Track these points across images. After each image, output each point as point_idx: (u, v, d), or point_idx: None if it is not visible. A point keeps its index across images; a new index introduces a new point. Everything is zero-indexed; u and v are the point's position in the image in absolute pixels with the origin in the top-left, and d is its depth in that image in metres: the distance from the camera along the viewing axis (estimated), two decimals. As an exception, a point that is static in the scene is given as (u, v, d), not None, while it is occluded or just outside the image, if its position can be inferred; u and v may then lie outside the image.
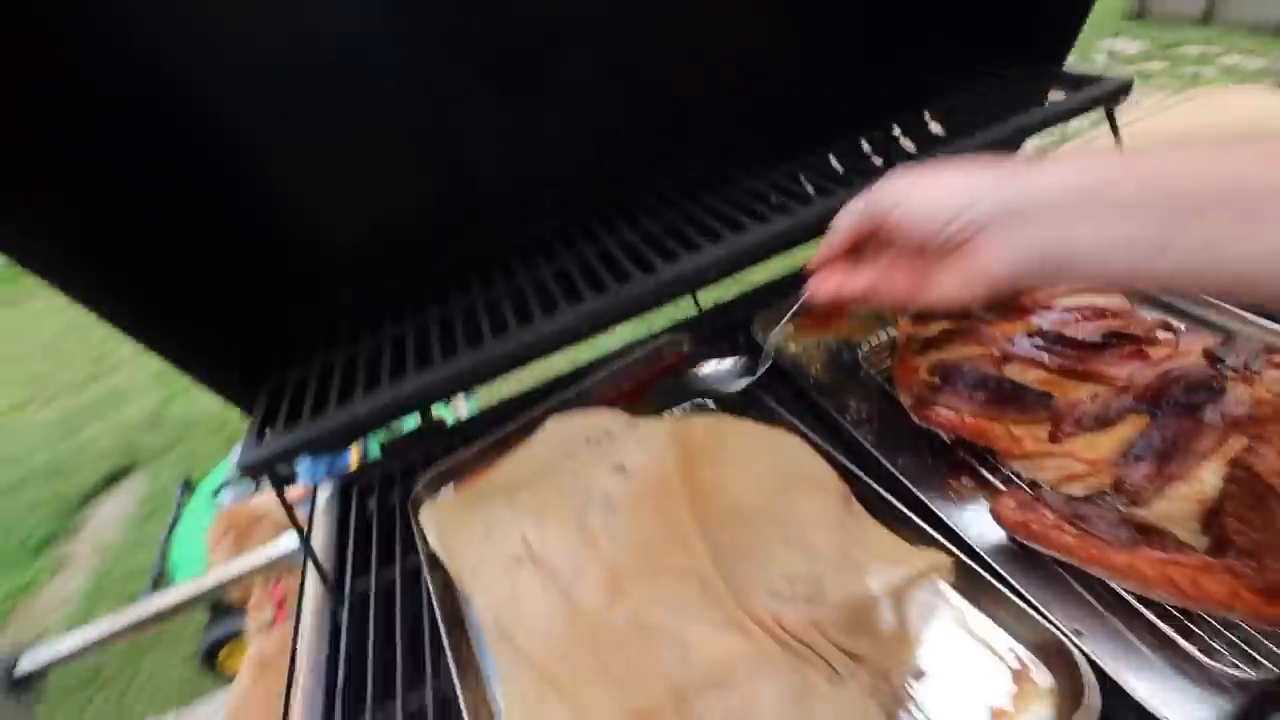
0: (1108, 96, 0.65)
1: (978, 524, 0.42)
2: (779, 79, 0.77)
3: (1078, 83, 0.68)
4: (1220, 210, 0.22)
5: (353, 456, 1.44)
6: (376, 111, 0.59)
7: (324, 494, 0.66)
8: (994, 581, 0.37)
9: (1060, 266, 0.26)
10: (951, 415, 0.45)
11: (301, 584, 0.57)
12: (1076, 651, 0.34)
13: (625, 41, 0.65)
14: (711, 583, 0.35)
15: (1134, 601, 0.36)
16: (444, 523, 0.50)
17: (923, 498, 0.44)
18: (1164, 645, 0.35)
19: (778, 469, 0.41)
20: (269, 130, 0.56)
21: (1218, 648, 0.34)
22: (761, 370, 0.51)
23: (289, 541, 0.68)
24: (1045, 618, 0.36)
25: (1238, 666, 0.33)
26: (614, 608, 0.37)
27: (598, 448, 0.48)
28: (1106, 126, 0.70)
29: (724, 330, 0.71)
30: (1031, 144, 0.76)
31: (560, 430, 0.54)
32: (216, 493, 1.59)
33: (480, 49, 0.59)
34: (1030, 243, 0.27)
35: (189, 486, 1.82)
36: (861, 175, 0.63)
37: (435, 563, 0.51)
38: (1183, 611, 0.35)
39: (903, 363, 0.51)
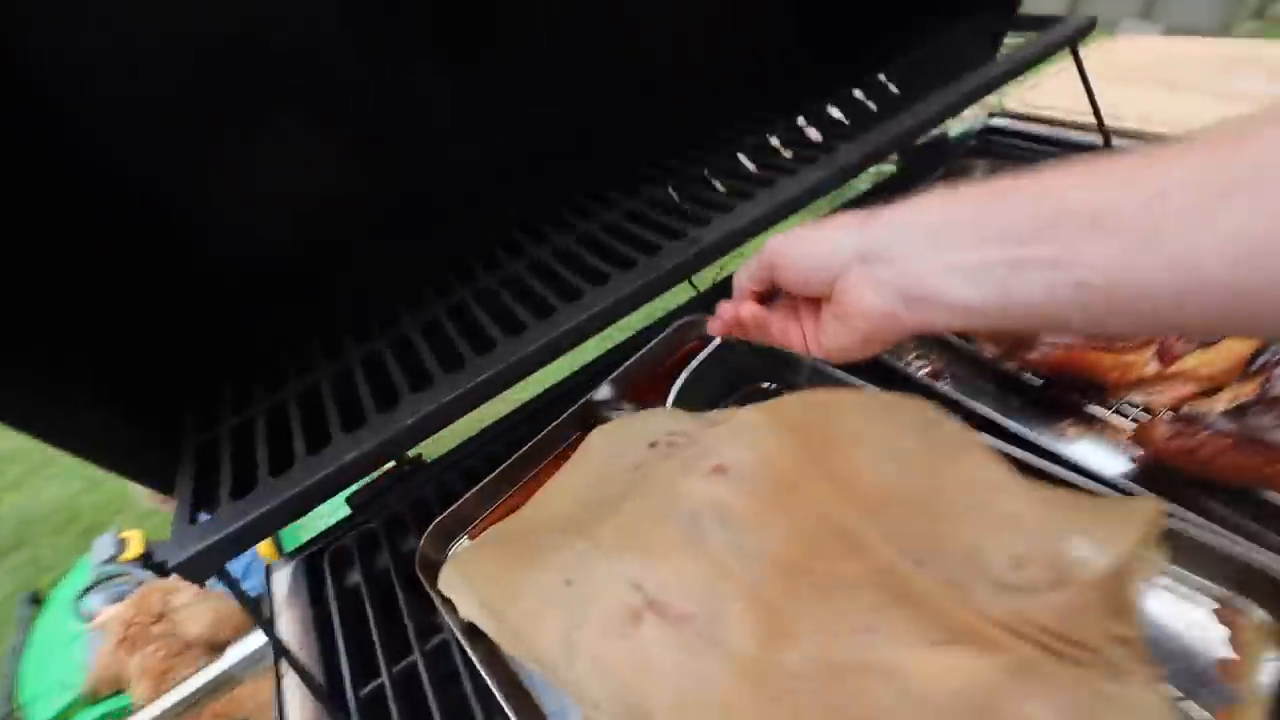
0: (1071, 36, 0.66)
1: (1095, 465, 0.39)
2: (737, 47, 0.72)
3: (1039, 24, 0.69)
4: (1046, 241, 0.22)
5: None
6: (304, 94, 0.46)
7: (282, 576, 0.51)
8: (1174, 522, 0.33)
9: (922, 304, 0.26)
10: (1060, 349, 0.41)
11: (279, 707, 0.42)
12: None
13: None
14: (909, 586, 0.28)
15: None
16: (483, 582, 0.38)
17: (1045, 444, 0.40)
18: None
19: (913, 436, 0.35)
20: (160, 125, 0.41)
21: None
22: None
23: (247, 645, 0.52)
24: (1238, 546, 0.32)
25: None
26: (782, 648, 0.28)
27: (672, 453, 0.39)
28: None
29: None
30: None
31: (611, 441, 0.44)
32: (80, 598, 1.28)
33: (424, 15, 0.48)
34: (884, 283, 0.27)
35: (36, 600, 1.46)
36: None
37: (475, 634, 0.39)
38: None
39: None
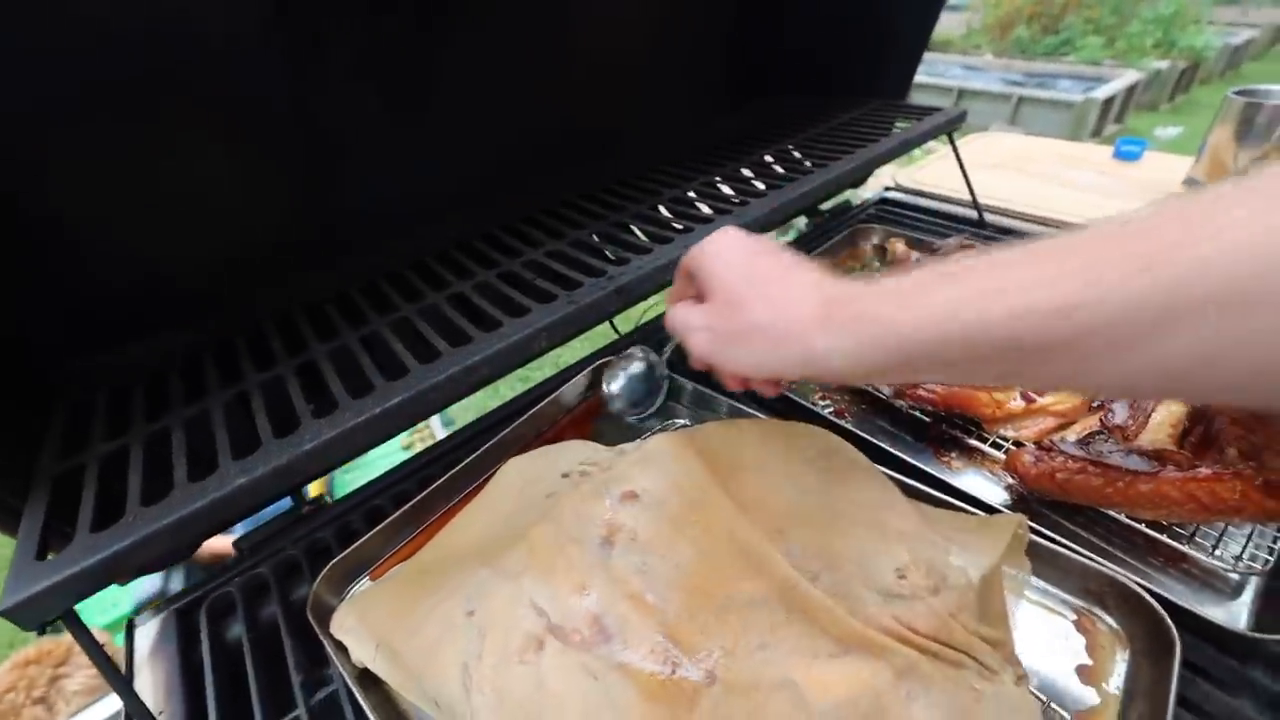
0: (947, 124, 0.76)
1: (975, 491, 0.42)
2: (663, 102, 0.78)
3: (921, 112, 0.79)
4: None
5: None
6: (215, 98, 0.45)
7: (147, 631, 0.45)
8: (1037, 539, 0.37)
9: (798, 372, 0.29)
10: (938, 391, 0.45)
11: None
12: (1130, 584, 0.34)
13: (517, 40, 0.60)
14: (805, 601, 0.29)
15: (1139, 528, 0.39)
16: (381, 620, 0.36)
17: (933, 471, 0.43)
18: (1173, 560, 0.38)
19: (815, 461, 0.37)
20: (53, 123, 0.39)
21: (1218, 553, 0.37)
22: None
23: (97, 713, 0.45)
24: (1091, 562, 0.36)
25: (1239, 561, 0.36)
26: (684, 668, 0.28)
27: (585, 482, 0.39)
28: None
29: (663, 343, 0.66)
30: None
31: (524, 472, 0.43)
32: None
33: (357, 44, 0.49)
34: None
35: None
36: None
37: (368, 681, 0.36)
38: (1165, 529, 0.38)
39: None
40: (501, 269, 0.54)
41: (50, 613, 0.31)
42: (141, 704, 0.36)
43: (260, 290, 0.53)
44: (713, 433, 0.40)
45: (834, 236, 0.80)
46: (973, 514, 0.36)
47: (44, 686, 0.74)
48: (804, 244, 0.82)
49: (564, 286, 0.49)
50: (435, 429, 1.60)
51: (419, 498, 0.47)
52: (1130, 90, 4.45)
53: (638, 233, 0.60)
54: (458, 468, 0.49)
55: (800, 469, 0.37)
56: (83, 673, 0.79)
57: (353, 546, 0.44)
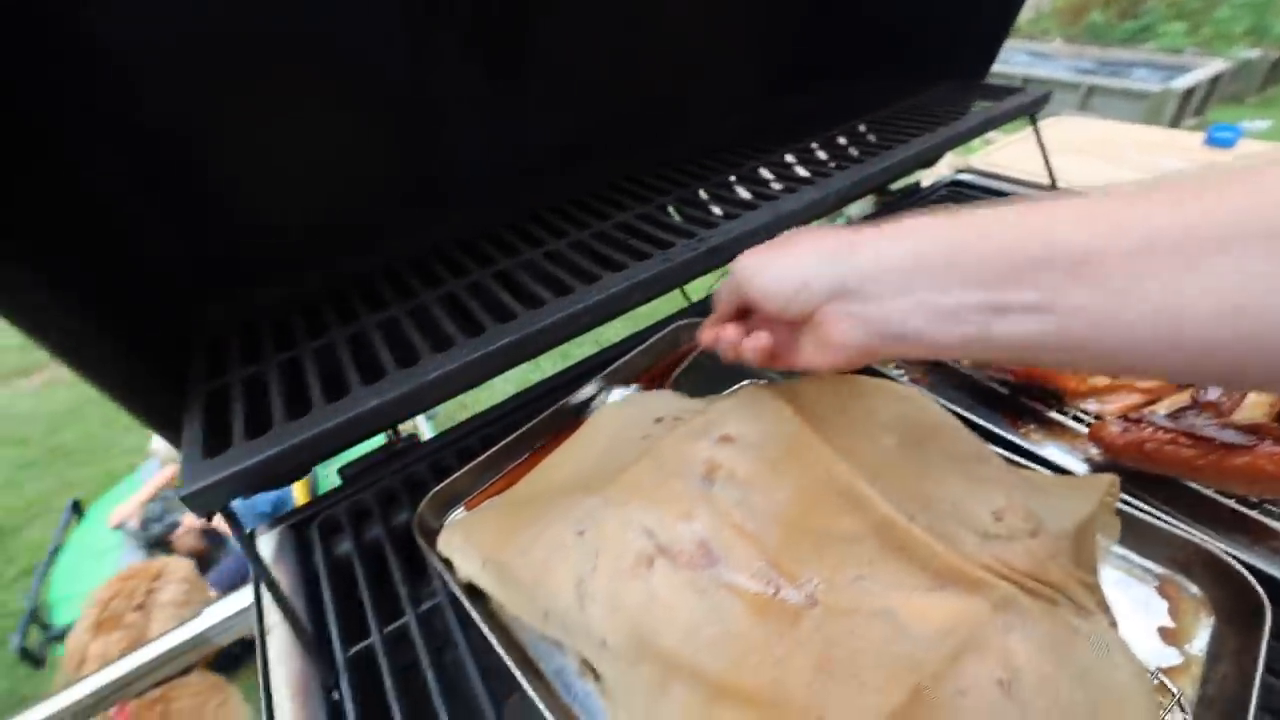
0: (1030, 105, 0.75)
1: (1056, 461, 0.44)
2: (739, 80, 0.79)
3: (1001, 93, 0.78)
4: (1027, 286, 0.22)
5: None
6: (343, 64, 0.49)
7: (267, 542, 0.50)
8: (1123, 505, 0.38)
9: (900, 341, 0.27)
10: (1024, 359, 0.46)
11: (263, 667, 0.41)
12: (1218, 551, 0.35)
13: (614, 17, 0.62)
14: (905, 537, 0.30)
15: (1222, 502, 0.39)
16: (488, 539, 0.39)
17: (1015, 439, 0.44)
18: (1262, 537, 0.38)
19: (904, 416, 0.38)
20: (190, 73, 0.43)
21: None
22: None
23: (220, 609, 0.50)
24: (1178, 529, 0.36)
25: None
26: (788, 592, 0.31)
27: (680, 425, 0.42)
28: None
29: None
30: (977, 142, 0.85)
31: (617, 416, 0.46)
32: (120, 528, 1.32)
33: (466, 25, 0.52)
34: (859, 321, 0.28)
35: (78, 509, 1.55)
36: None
37: (474, 594, 0.40)
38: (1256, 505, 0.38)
39: (948, 321, 0.52)
40: (593, 229, 0.57)
41: (215, 504, 0.35)
42: (274, 580, 0.40)
43: (376, 244, 0.57)
44: (800, 385, 0.42)
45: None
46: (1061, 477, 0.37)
47: (142, 596, 0.82)
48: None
49: (657, 246, 0.51)
50: (421, 429, 1.51)
51: (510, 438, 0.50)
52: (1214, 81, 4.18)
53: (713, 206, 0.61)
54: (545, 414, 0.52)
55: (889, 422, 0.38)
56: (173, 586, 0.86)
57: (453, 477, 0.48)
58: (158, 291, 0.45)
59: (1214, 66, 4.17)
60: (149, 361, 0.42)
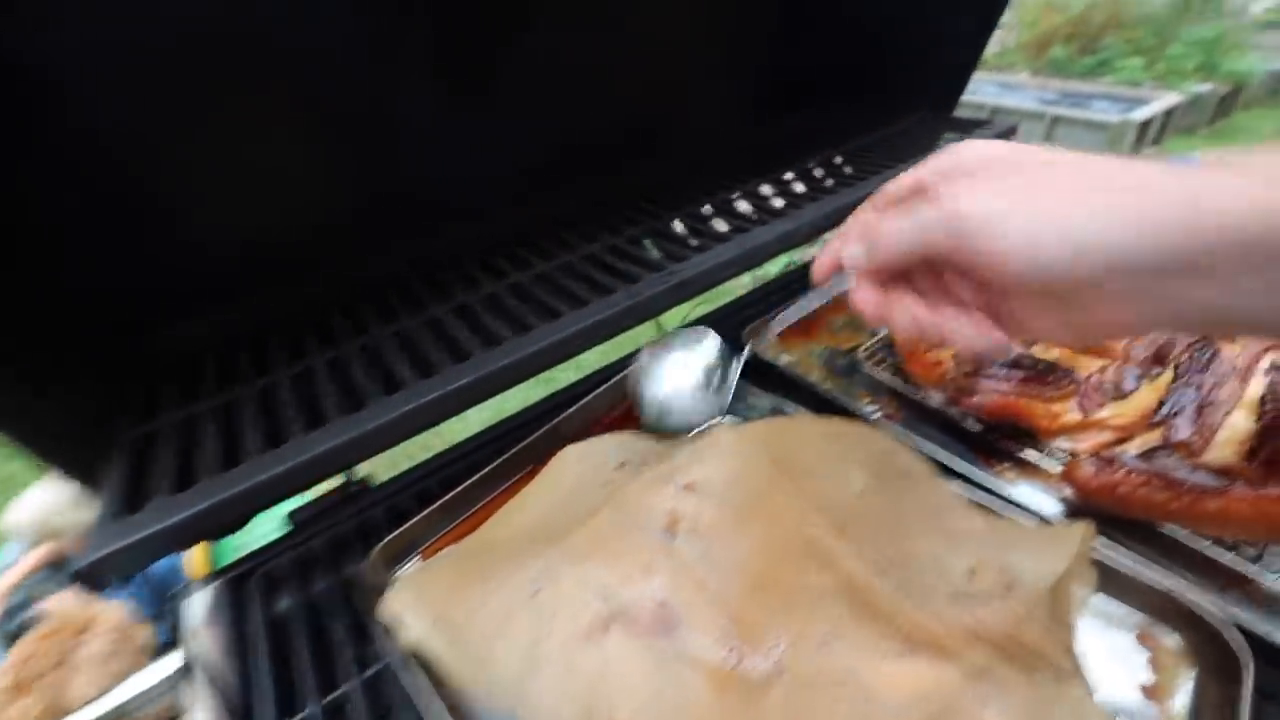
0: (1004, 134, 0.76)
1: (1029, 503, 0.42)
2: (702, 117, 0.79)
3: (969, 126, 0.79)
4: None
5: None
6: (294, 81, 0.47)
7: (199, 596, 0.46)
8: (1102, 551, 0.36)
9: (1200, 327, 0.22)
10: (992, 399, 0.45)
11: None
12: (1199, 602, 0.34)
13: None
14: (874, 596, 0.29)
15: (1198, 549, 0.38)
16: (439, 597, 0.37)
17: (988, 479, 0.43)
18: (1236, 582, 0.37)
19: (875, 463, 0.37)
20: (125, 88, 0.40)
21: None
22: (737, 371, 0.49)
23: (144, 678, 0.46)
24: (1157, 577, 0.35)
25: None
26: (748, 658, 0.29)
27: (642, 470, 0.40)
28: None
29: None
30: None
31: (579, 460, 0.44)
32: None
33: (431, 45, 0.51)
34: (1161, 304, 0.21)
35: None
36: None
37: (421, 662, 0.37)
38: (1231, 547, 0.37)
39: (920, 358, 0.51)
40: (560, 261, 0.55)
41: (131, 569, 0.32)
42: (198, 657, 0.37)
43: (326, 274, 0.54)
44: (772, 428, 0.40)
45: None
46: (1033, 525, 0.36)
47: (61, 655, 0.76)
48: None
49: (625, 280, 0.50)
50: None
51: (470, 481, 0.48)
52: (1169, 113, 4.37)
53: (686, 237, 0.60)
54: (509, 453, 0.50)
55: (860, 469, 0.37)
56: (99, 640, 0.80)
57: (403, 527, 0.45)
58: (79, 326, 0.42)
59: (1169, 100, 4.37)
60: (69, 406, 0.39)
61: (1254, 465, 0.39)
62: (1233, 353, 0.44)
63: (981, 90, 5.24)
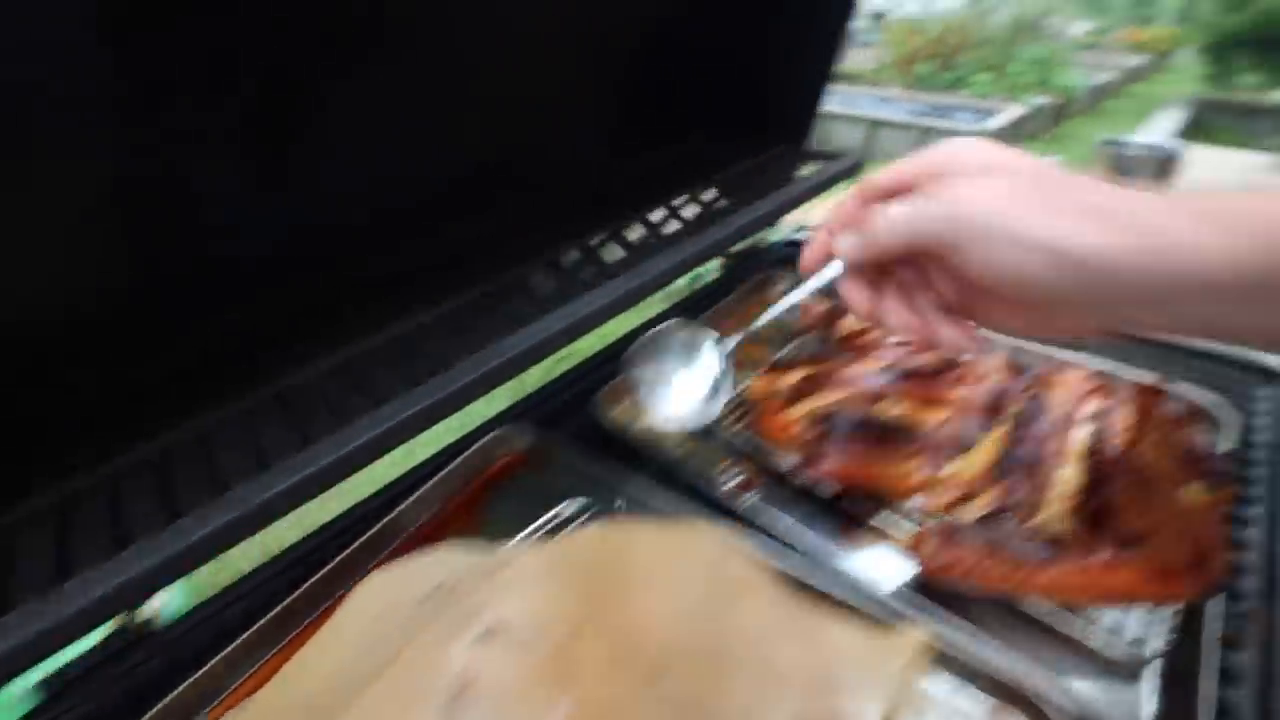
0: (850, 170, 0.77)
1: (878, 571, 0.41)
2: (554, 161, 0.74)
3: (827, 158, 0.80)
4: None
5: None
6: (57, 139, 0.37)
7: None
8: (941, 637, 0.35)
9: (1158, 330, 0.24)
10: (845, 464, 0.43)
11: None
12: (1030, 679, 0.32)
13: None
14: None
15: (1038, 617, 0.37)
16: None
17: (837, 557, 0.41)
18: (1076, 648, 0.37)
19: (708, 570, 0.33)
20: None
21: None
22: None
23: None
24: (991, 657, 0.34)
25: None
26: None
27: (444, 607, 0.34)
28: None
29: (560, 413, 0.61)
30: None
31: (381, 593, 0.37)
32: None
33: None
34: (1126, 320, 0.24)
35: None
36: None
37: None
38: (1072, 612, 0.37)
39: (771, 419, 0.49)
40: (393, 331, 0.49)
41: None
42: None
43: (112, 357, 0.44)
44: (593, 543, 0.36)
45: (745, 280, 0.79)
46: (877, 616, 0.33)
47: None
48: (713, 294, 0.81)
49: (468, 349, 0.44)
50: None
51: (266, 620, 0.40)
52: (1016, 122, 4.88)
53: (541, 287, 0.55)
54: (315, 579, 0.42)
55: (691, 582, 0.33)
56: None
57: (183, 685, 0.37)
58: None
59: (1015, 111, 4.88)
60: None
61: (1083, 525, 0.39)
62: (1060, 398, 0.44)
63: (861, 104, 5.62)
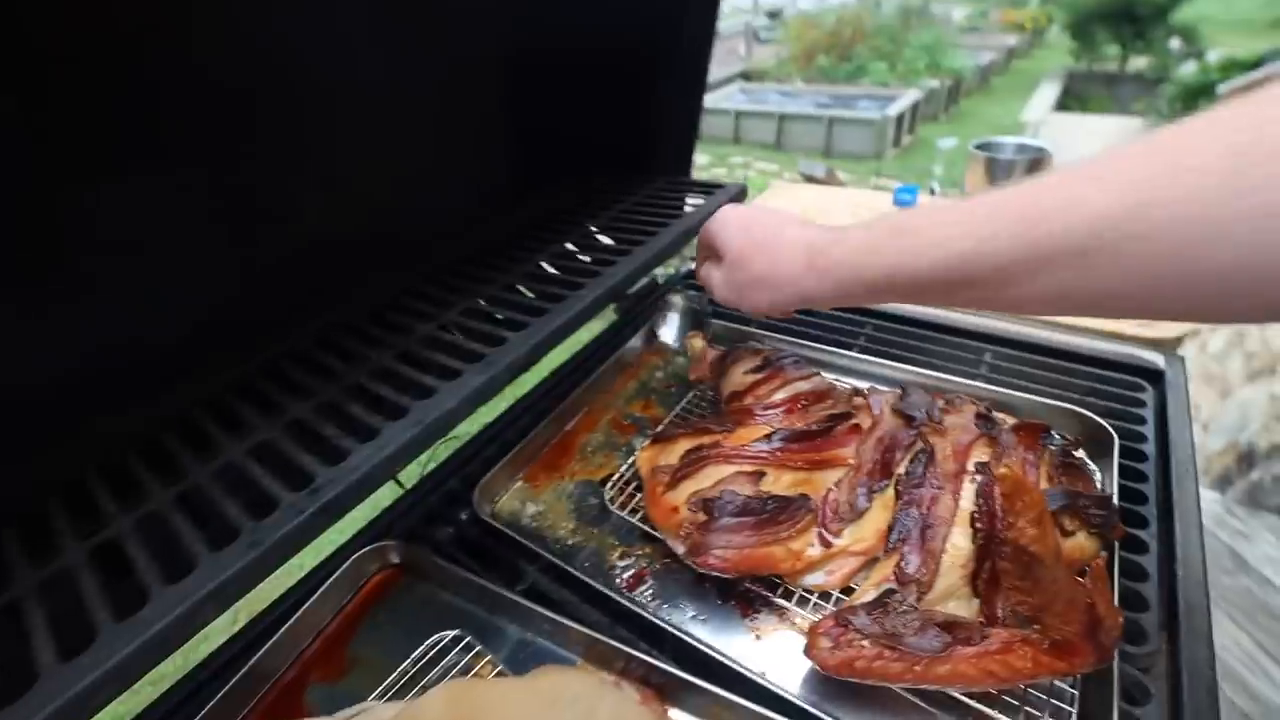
0: (736, 196, 0.75)
1: (786, 661, 0.38)
2: (435, 216, 0.68)
3: (707, 188, 0.77)
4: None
5: None
6: None
7: None
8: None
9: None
10: (731, 554, 0.40)
11: None
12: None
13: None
14: None
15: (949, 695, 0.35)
16: None
17: (727, 660, 0.37)
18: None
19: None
20: None
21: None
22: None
23: None
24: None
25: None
26: None
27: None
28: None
29: (438, 510, 0.55)
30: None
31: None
32: None
33: None
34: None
35: None
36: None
37: None
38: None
39: (658, 502, 0.44)
40: (263, 434, 0.42)
41: None
42: None
43: None
44: (454, 701, 0.31)
45: (640, 319, 0.76)
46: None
47: None
48: (612, 338, 0.77)
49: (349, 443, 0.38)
50: None
51: None
52: (914, 106, 5.10)
53: (431, 355, 0.49)
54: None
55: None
56: None
57: None
58: None
59: (912, 95, 5.11)
60: None
61: (980, 585, 0.37)
62: (945, 452, 0.42)
63: (769, 99, 5.74)
